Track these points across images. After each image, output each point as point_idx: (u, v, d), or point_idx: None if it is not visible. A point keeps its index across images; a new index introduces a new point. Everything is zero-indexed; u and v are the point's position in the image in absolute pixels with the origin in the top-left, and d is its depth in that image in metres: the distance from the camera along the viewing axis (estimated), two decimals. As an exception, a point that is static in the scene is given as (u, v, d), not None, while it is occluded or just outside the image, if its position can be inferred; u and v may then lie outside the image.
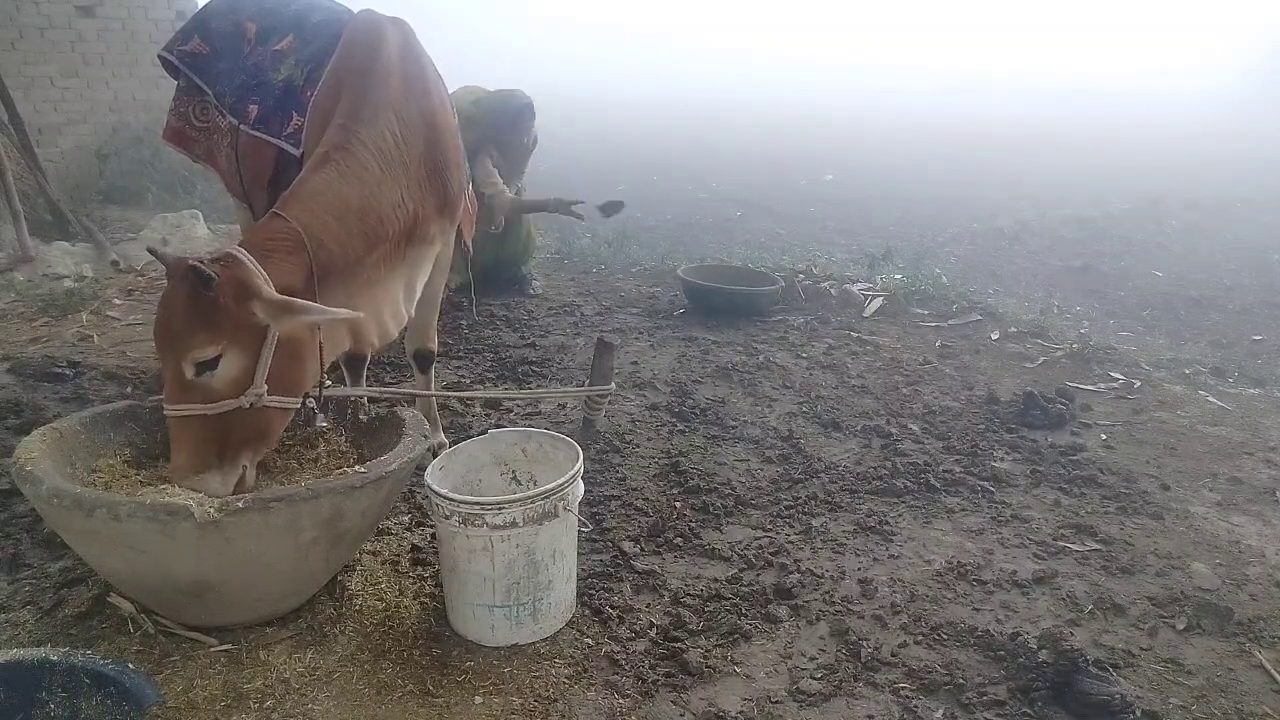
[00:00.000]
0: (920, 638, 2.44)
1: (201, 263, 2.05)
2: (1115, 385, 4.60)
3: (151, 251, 2.21)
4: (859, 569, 2.78)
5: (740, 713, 2.13)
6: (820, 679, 2.25)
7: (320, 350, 2.35)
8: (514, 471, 2.66)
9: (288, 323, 2.15)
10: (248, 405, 2.16)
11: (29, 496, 2.12)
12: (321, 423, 2.57)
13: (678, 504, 3.13)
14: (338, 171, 2.44)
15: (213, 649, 2.22)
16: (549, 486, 2.26)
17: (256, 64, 3.00)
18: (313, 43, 2.93)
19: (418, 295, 2.86)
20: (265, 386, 2.17)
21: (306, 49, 2.93)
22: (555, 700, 2.13)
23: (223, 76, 3.08)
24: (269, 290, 2.12)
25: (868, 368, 4.75)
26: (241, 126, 2.96)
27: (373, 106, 2.57)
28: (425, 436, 2.48)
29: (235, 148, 3.03)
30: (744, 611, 2.52)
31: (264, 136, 2.89)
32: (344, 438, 2.65)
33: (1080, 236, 9.83)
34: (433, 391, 3.41)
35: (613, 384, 3.56)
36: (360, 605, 2.43)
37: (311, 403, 2.46)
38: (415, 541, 2.80)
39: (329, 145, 2.49)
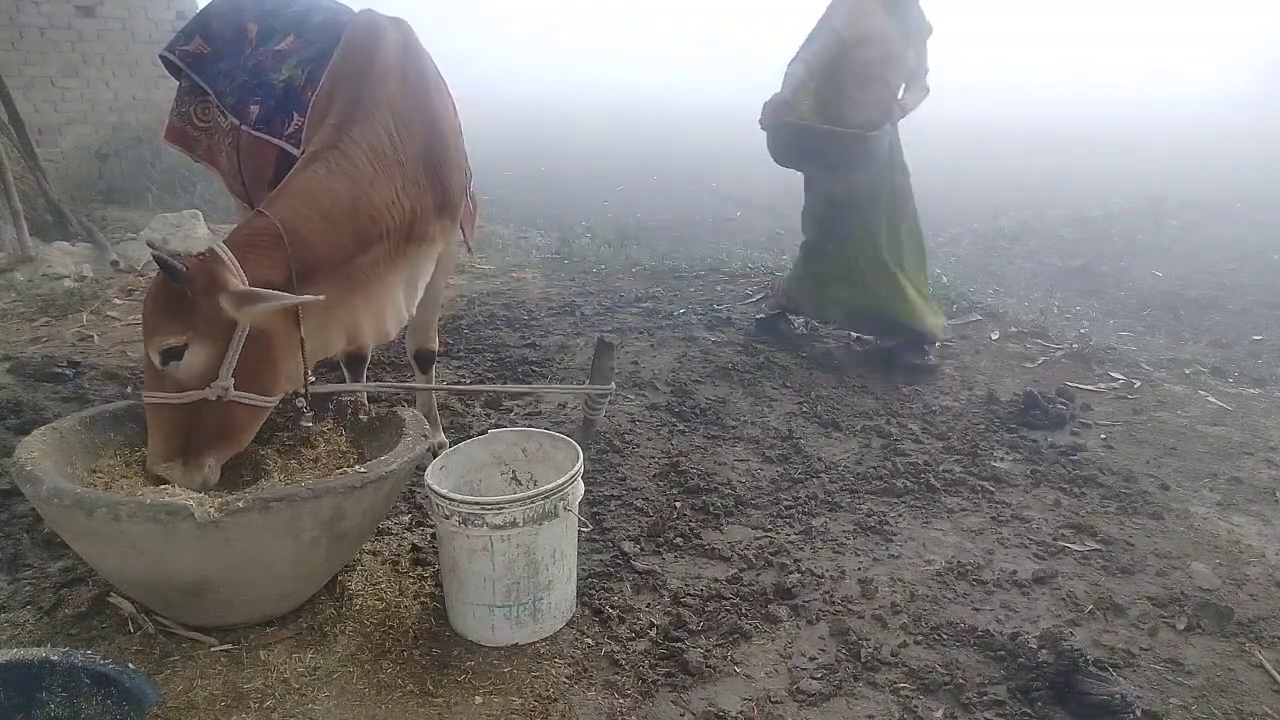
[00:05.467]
0: (920, 638, 2.44)
1: (172, 256, 2.07)
2: (1115, 385, 4.60)
3: (151, 246, 2.22)
4: (859, 569, 2.78)
5: (740, 713, 2.13)
6: (820, 679, 2.25)
7: (302, 348, 2.34)
8: (514, 471, 2.66)
9: (251, 311, 2.15)
10: (213, 398, 2.17)
11: (29, 496, 2.12)
12: (308, 422, 2.56)
13: (678, 504, 3.13)
14: (326, 169, 2.44)
15: (213, 649, 2.22)
16: (549, 486, 2.26)
17: (258, 64, 3.00)
18: (314, 43, 2.93)
19: (419, 294, 2.86)
20: (232, 380, 2.18)
21: (308, 49, 2.93)
22: (555, 700, 2.13)
23: (224, 77, 3.08)
24: (236, 283, 2.14)
25: (868, 367, 4.75)
26: (243, 127, 2.96)
27: (367, 106, 2.58)
28: (425, 436, 2.48)
29: (237, 148, 3.04)
30: (744, 611, 2.52)
31: (265, 137, 2.89)
32: (344, 438, 2.65)
33: (1080, 236, 9.80)
34: (431, 386, 3.40)
35: (613, 384, 3.56)
36: (360, 605, 2.43)
37: (301, 402, 2.46)
38: (415, 541, 2.80)
39: (319, 144, 2.50)
